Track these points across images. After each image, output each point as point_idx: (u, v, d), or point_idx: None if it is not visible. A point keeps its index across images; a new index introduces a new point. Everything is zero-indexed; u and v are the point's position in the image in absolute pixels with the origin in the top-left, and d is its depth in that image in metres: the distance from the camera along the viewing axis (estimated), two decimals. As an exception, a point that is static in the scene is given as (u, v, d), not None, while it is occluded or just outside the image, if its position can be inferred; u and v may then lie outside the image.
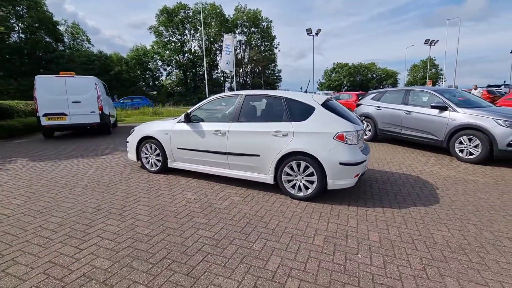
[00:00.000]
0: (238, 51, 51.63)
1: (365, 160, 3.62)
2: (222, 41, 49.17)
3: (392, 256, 2.40)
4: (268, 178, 3.84)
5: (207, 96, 20.89)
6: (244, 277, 2.10)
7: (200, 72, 48.73)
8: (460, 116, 5.88)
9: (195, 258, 2.34)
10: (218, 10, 46.07)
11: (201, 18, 22.29)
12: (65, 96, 8.71)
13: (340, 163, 3.40)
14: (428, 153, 6.58)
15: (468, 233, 2.82)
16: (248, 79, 53.08)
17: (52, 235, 2.68)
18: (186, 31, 46.65)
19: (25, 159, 6.11)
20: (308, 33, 21.48)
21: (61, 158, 6.20)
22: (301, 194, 3.65)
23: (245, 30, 50.71)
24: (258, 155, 3.83)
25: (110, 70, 38.75)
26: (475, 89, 17.46)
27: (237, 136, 3.97)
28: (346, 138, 3.43)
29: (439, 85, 54.93)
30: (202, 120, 4.43)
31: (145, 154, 4.96)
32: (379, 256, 2.41)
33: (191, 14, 46.18)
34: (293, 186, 3.71)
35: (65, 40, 41.57)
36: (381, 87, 70.58)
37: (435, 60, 69.18)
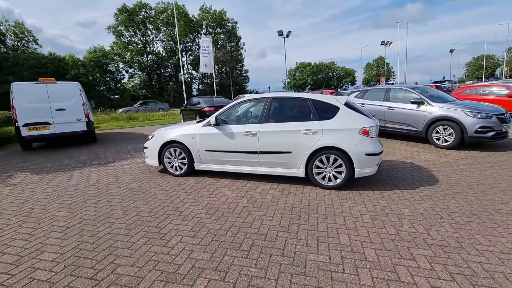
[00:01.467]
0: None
1: (383, 151, 4.25)
2: (187, 42, 48.40)
3: (429, 225, 3.00)
4: (299, 172, 4.27)
5: (185, 98, 20.57)
6: (329, 252, 2.51)
7: (166, 74, 47.28)
8: (435, 109, 6.92)
9: (279, 242, 2.68)
10: (181, 10, 45.02)
11: (174, 16, 21.74)
12: (47, 103, 8.15)
13: (366, 154, 3.97)
14: (410, 142, 7.57)
15: (472, 203, 3.56)
16: (215, 80, 52.72)
17: (131, 239, 2.80)
18: (149, 32, 44.83)
19: (25, 172, 5.73)
20: (279, 35, 22.35)
21: (66, 169, 5.93)
22: (331, 184, 4.15)
23: (211, 30, 50.32)
24: (290, 152, 4.24)
25: (65, 73, 35.72)
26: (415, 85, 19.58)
27: (268, 135, 4.33)
28: (369, 132, 4.01)
29: (391, 82, 60.22)
30: (230, 123, 4.69)
31: (169, 158, 5.06)
32: (419, 225, 2.99)
33: (153, 13, 44.49)
34: (323, 178, 4.19)
35: (7, 41, 37.36)
36: (341, 85, 75.19)
37: (386, 59, 75.71)
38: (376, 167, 4.11)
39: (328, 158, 4.10)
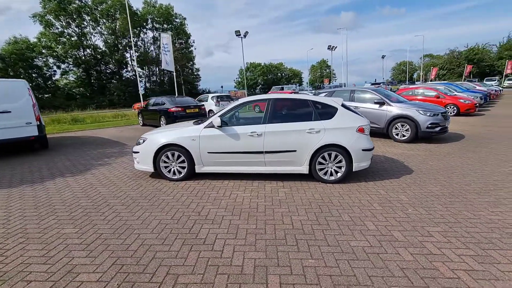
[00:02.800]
0: (151, 48, 48.04)
1: (374, 146, 4.81)
2: (130, 37, 44.72)
3: (426, 207, 3.57)
4: (304, 169, 4.55)
5: (141, 98, 19.09)
6: (366, 237, 2.82)
7: (108, 71, 43.04)
8: (394, 109, 7.99)
9: (318, 234, 2.90)
10: (123, 2, 41.35)
11: (127, 6, 19.93)
12: (-14, 105, 6.83)
13: (362, 150, 4.45)
14: (373, 138, 8.56)
15: (446, 186, 4.32)
16: (164, 78, 50.14)
17: (172, 248, 2.67)
18: (85, 23, 40.09)
19: (-23, 188, 4.76)
20: (236, 35, 22.43)
21: (33, 180, 5.12)
22: (332, 178, 4.54)
23: (157, 26, 47.57)
24: (295, 151, 4.49)
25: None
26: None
27: (274, 135, 4.50)
28: (364, 129, 4.51)
29: (333, 83, 65.62)
30: (231, 124, 4.71)
31: (165, 162, 4.82)
32: (419, 208, 3.54)
33: (89, 3, 39.91)
34: (325, 173, 4.55)
35: None
36: (288, 85, 78.81)
37: (327, 61, 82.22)
38: (370, 161, 4.65)
39: (329, 155, 4.47)
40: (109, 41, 42.15)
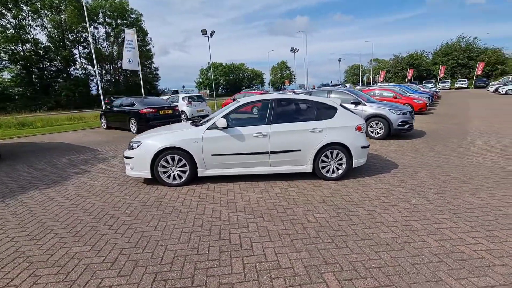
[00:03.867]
0: (104, 44, 44.34)
1: (369, 144, 5.13)
2: (79, 31, 40.74)
3: (425, 197, 3.94)
4: (308, 167, 4.67)
5: (103, 101, 17.45)
6: (390, 229, 3.02)
7: (52, 68, 38.48)
8: (369, 108, 8.61)
9: (347, 229, 3.01)
10: (70, -7, 37.47)
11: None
12: None
13: (361, 147, 4.73)
14: (351, 136, 9.12)
15: (431, 177, 4.80)
16: (120, 77, 46.70)
17: (211, 257, 2.53)
18: (24, 14, 35.28)
19: None
20: (203, 34, 21.85)
21: (1, 194, 4.37)
22: (334, 175, 4.73)
23: (109, 21, 44.06)
24: (300, 150, 4.58)
25: None
26: (313, 88, 22.63)
27: (279, 136, 4.52)
28: (362, 128, 4.79)
29: (294, 84, 68.02)
30: (234, 125, 4.60)
31: (164, 167, 4.51)
32: (420, 198, 3.89)
33: (28, -9, 35.20)
34: (327, 171, 4.72)
35: None
36: (251, 86, 79.59)
37: (287, 63, 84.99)
38: (366, 158, 4.95)
39: (332, 153, 4.65)
40: (54, 36, 37.75)
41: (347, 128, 4.69)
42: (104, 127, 13.14)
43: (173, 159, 4.51)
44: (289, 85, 70.42)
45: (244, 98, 5.20)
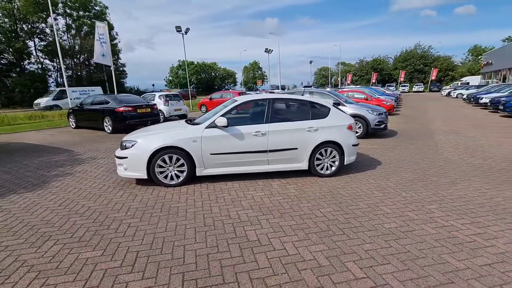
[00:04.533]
0: (65, 37, 40.94)
1: (359, 142, 5.45)
2: (34, 22, 37.18)
3: (413, 190, 4.30)
4: (304, 165, 4.84)
5: (68, 98, 16.06)
6: (393, 220, 3.27)
7: (3, 61, 34.59)
8: (348, 109, 9.07)
9: (354, 222, 3.20)
10: (22, -22, 33.99)
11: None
12: None
13: (352, 145, 5.02)
14: (331, 135, 9.55)
15: (413, 173, 5.25)
16: (83, 73, 43.52)
17: (233, 254, 2.54)
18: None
19: None
20: (177, 31, 21.13)
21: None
22: (328, 172, 4.96)
23: (70, 12, 40.81)
24: (296, 148, 4.73)
25: None
26: (287, 89, 22.32)
27: (277, 134, 4.63)
28: (352, 127, 5.08)
29: (266, 84, 68.78)
30: (232, 124, 4.61)
31: (161, 167, 4.38)
32: (409, 192, 4.24)
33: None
34: (321, 168, 4.94)
35: None
36: (223, 85, 78.98)
37: (259, 63, 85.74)
38: (356, 155, 5.26)
39: (326, 151, 4.87)
40: (5, 25, 34.00)
41: (340, 127, 4.95)
42: (73, 126, 12.21)
43: (170, 158, 4.39)
44: (261, 85, 71.15)
45: (241, 97, 5.21)
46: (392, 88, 42.60)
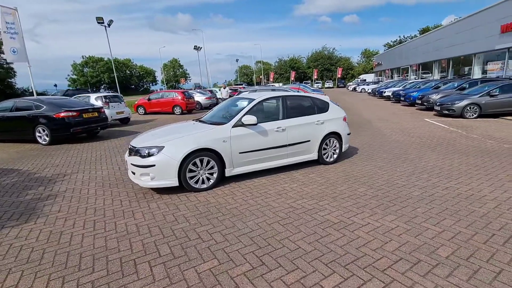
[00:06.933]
0: None
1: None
2: None
3: (401, 166, 5.37)
4: (315, 155, 5.37)
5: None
6: (405, 188, 4.11)
7: None
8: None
9: (392, 197, 3.89)
10: None
11: None
12: None
13: (347, 134, 5.83)
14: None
15: (386, 152, 6.46)
16: None
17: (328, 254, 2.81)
18: None
19: None
20: (98, 22, 18.13)
21: None
22: (332, 160, 5.63)
23: None
24: (309, 141, 5.21)
25: None
26: (224, 88, 20.15)
27: (294, 129, 4.99)
28: (345, 119, 5.88)
29: (189, 82, 66.59)
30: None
31: (192, 172, 4.13)
32: (398, 167, 5.28)
33: None
34: (327, 157, 5.56)
35: None
36: (141, 84, 72.25)
37: (179, 60, 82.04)
38: (348, 143, 6.10)
39: (330, 141, 5.52)
40: None
41: (338, 119, 5.67)
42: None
43: (201, 161, 4.19)
44: (185, 83, 68.47)
45: (255, 94, 5.33)
46: (308, 85, 47.81)
